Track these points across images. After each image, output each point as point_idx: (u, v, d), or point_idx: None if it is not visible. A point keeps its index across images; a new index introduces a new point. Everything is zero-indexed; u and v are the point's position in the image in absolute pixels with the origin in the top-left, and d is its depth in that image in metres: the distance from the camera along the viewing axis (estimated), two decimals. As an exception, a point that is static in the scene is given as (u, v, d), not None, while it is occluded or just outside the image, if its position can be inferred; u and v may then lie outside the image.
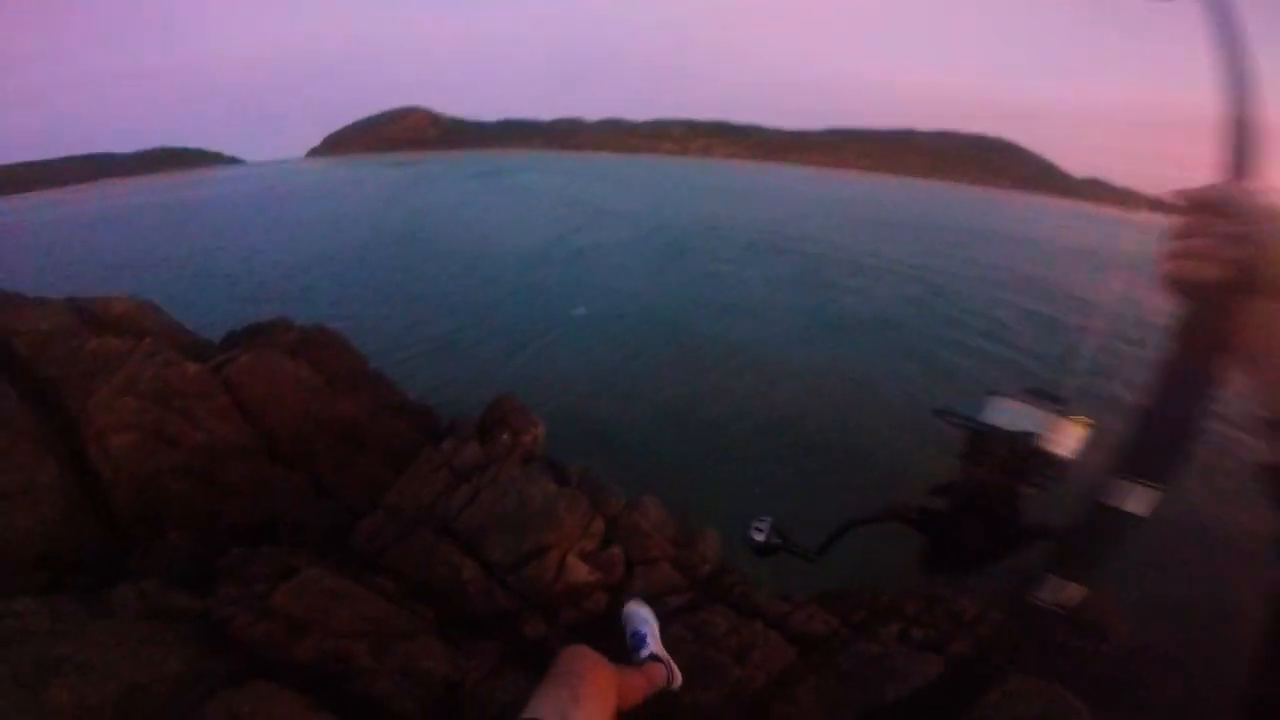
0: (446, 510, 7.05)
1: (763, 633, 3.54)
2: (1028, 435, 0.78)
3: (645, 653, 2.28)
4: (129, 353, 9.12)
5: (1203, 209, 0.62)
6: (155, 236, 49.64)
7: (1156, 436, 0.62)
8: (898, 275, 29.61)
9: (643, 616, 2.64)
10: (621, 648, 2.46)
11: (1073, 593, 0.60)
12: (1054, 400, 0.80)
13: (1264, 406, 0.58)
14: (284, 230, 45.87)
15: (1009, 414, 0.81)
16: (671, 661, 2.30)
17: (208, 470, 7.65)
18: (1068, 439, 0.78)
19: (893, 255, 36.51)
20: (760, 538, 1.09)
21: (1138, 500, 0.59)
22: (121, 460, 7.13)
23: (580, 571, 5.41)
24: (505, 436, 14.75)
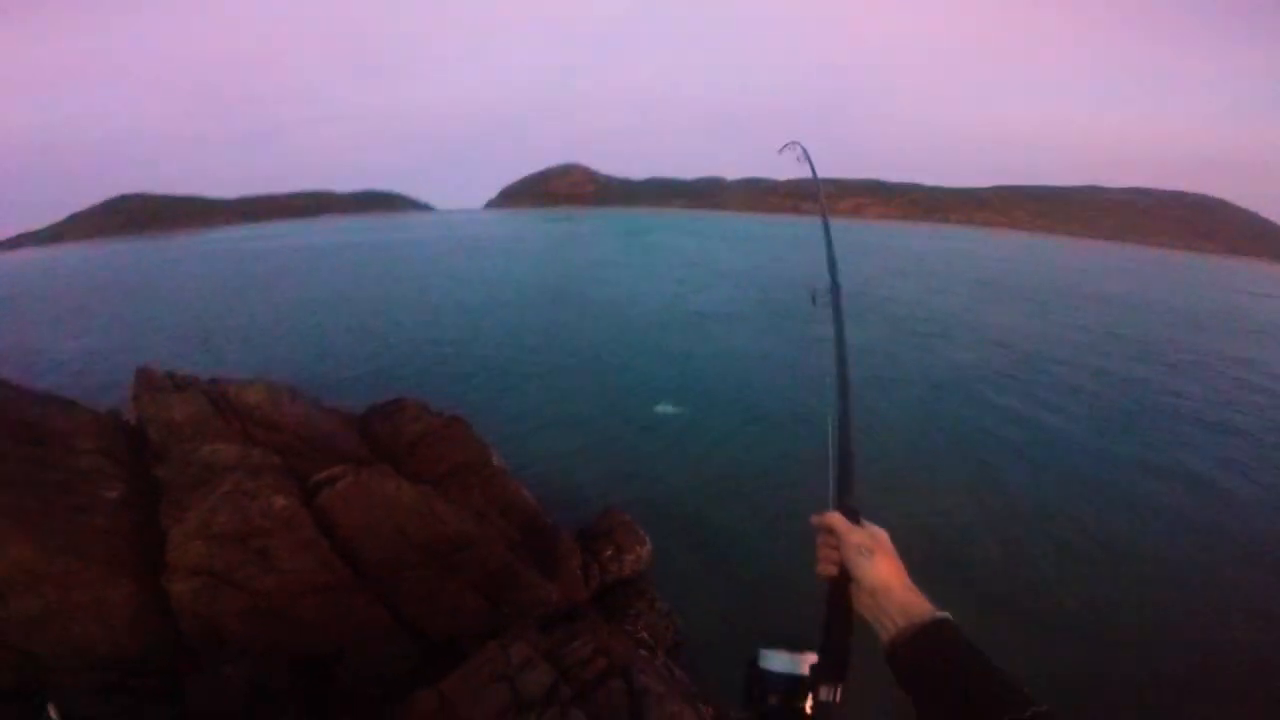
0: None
1: None
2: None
3: None
4: (236, 466, 9.75)
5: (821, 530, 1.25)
6: (351, 273, 60.16)
7: (830, 652, 1.15)
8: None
9: None
10: None
11: None
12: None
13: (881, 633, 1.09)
14: (456, 281, 53.65)
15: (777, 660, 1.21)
16: None
17: (276, 608, 7.82)
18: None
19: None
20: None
21: (827, 694, 1.12)
22: (184, 604, 7.48)
23: None
24: (609, 552, 13.88)
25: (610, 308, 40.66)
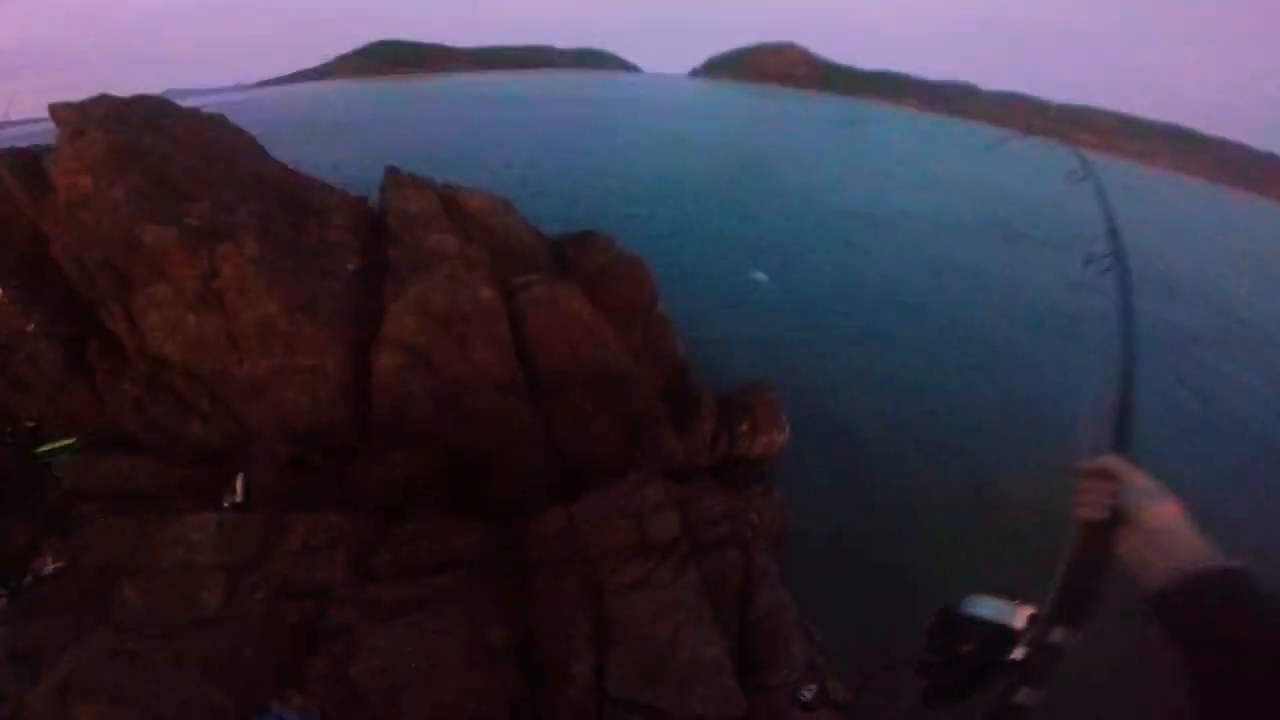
0: (607, 580, 6.76)
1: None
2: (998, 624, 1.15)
3: None
4: (455, 255, 10.77)
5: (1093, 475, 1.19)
6: (565, 126, 63.01)
7: (1072, 596, 1.08)
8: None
9: None
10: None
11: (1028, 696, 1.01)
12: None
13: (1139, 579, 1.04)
14: (659, 142, 53.78)
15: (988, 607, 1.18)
16: None
17: (458, 398, 8.87)
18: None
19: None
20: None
21: (1062, 637, 1.05)
22: (385, 378, 8.65)
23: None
24: (745, 427, 13.85)
25: (804, 193, 38.25)
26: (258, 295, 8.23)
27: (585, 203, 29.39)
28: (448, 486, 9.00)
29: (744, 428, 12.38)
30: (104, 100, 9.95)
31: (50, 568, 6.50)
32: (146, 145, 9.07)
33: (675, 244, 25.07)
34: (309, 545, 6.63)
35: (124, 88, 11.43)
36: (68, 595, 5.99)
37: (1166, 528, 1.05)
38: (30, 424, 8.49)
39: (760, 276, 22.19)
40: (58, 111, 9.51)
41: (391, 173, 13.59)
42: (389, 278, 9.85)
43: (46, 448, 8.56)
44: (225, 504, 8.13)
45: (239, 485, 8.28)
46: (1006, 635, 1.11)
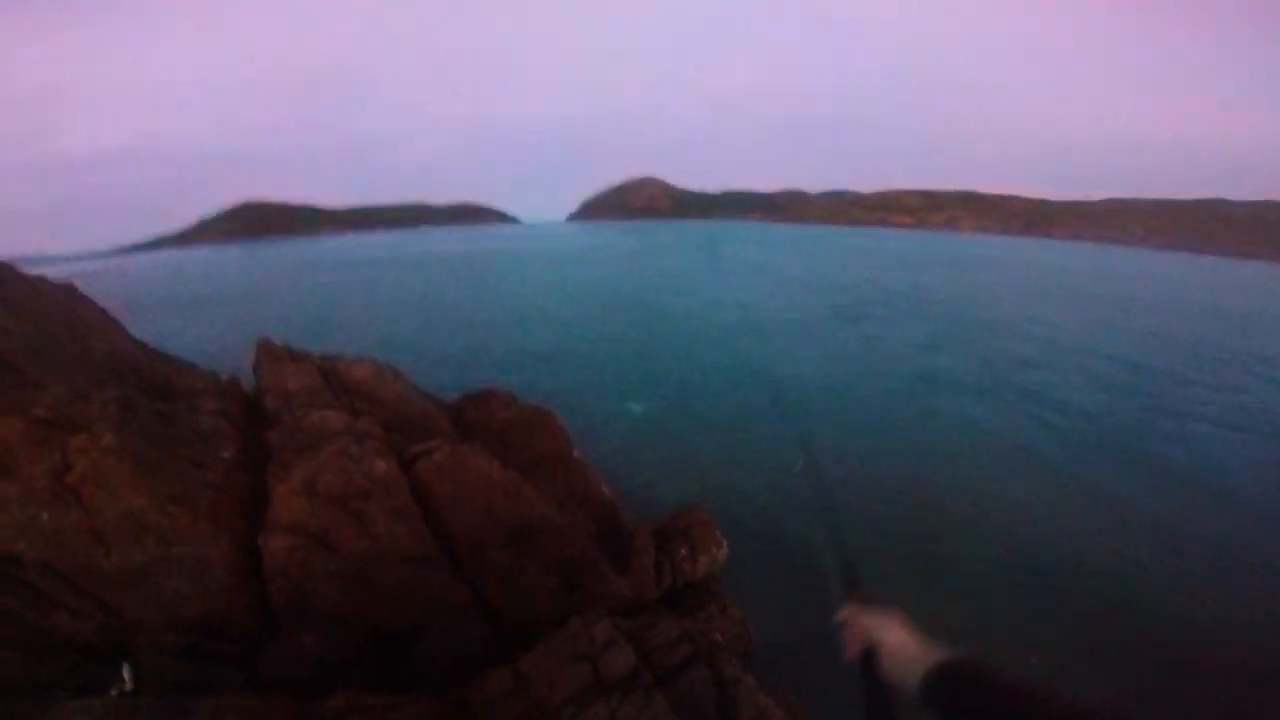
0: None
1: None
2: None
3: None
4: (342, 432, 10.04)
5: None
6: (450, 280, 64.14)
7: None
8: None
9: None
10: None
11: None
12: None
13: None
14: (541, 288, 56.09)
15: None
16: None
17: (364, 574, 7.91)
18: None
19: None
20: None
21: None
22: (278, 562, 7.66)
23: None
24: (684, 551, 13.32)
25: (685, 317, 41.65)
26: (121, 488, 7.09)
27: (480, 363, 29.34)
28: (370, 663, 7.73)
29: (682, 552, 12.21)
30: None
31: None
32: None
33: (580, 389, 25.46)
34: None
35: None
36: None
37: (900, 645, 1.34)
38: None
39: (635, 408, 23.14)
40: None
41: (265, 346, 12.80)
42: (273, 460, 8.94)
43: None
44: (114, 693, 6.57)
45: (126, 675, 6.74)
46: None
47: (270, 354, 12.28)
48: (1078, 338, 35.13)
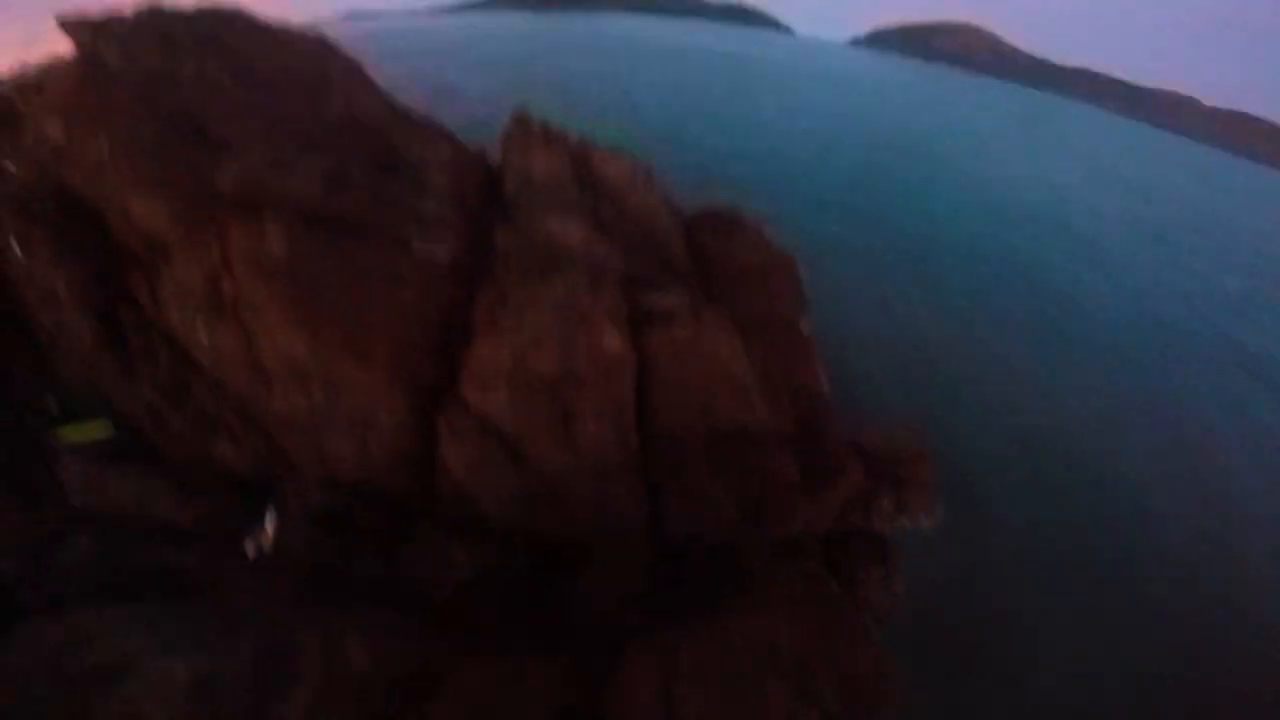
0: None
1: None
2: None
3: None
4: (579, 254, 8.04)
5: None
6: (712, 83, 59.70)
7: None
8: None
9: None
10: None
11: None
12: None
13: None
14: (813, 113, 49.30)
15: None
16: None
17: (551, 491, 6.29)
18: None
19: None
20: None
21: None
22: (453, 464, 6.09)
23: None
24: (887, 503, 10.55)
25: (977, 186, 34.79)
26: (279, 326, 5.94)
27: (725, 169, 26.67)
28: (522, 586, 6.64)
29: (884, 503, 10.41)
30: (151, 13, 7.96)
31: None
32: (186, 75, 7.04)
33: (820, 233, 21.87)
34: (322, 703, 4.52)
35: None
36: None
37: None
38: (53, 401, 7.17)
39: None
40: (67, 25, 7.53)
41: (519, 119, 10.96)
42: (489, 280, 7.38)
43: (70, 430, 7.17)
44: (248, 547, 6.50)
45: (269, 526, 6.54)
46: None
47: (523, 129, 10.49)
48: None
